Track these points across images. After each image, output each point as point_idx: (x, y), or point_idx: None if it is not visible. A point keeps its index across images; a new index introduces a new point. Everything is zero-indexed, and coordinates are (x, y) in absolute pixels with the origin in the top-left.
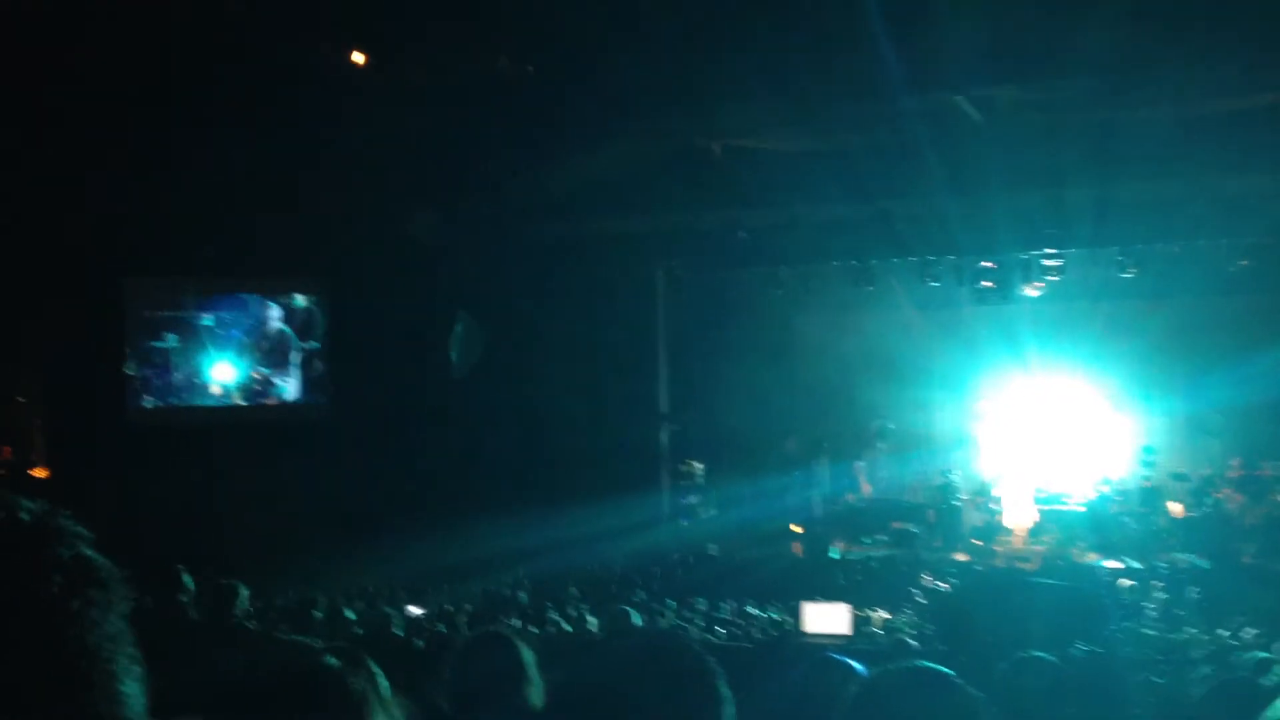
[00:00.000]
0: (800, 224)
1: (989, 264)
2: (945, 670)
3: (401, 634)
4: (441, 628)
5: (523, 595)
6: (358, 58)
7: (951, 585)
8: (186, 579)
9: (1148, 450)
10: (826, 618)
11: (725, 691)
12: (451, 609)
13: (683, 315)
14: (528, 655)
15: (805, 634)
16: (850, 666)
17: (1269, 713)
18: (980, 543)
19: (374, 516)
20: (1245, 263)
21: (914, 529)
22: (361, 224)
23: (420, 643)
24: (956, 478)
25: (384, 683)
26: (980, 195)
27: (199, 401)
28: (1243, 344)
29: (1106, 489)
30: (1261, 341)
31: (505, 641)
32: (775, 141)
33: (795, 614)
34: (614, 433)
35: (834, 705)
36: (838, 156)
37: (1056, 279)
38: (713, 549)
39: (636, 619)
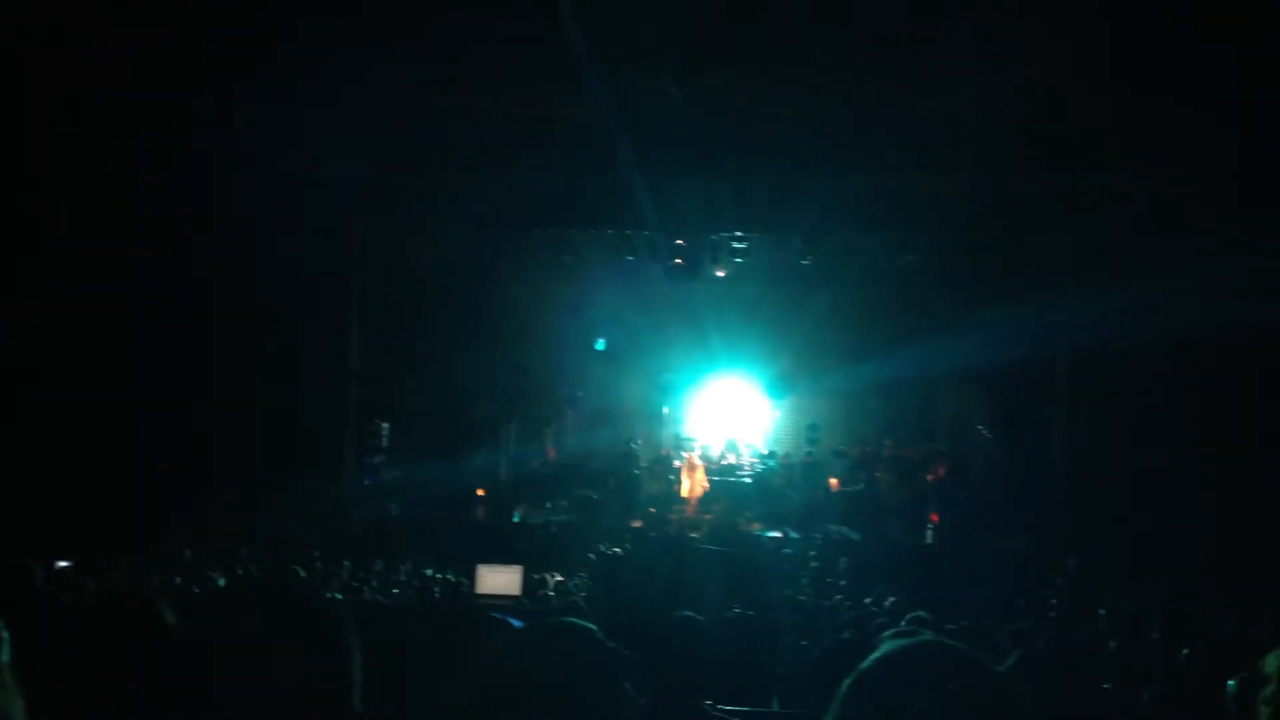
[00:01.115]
0: (500, 190)
1: (680, 242)
2: (589, 625)
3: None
4: (90, 583)
5: (188, 552)
6: None
7: (625, 550)
8: None
9: (812, 428)
10: (499, 580)
11: (354, 643)
12: (106, 563)
13: (379, 273)
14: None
15: (478, 596)
16: (507, 622)
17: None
18: (655, 510)
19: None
20: (910, 258)
21: (595, 496)
22: None
23: (69, 598)
24: (639, 447)
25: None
26: (675, 174)
27: None
28: (902, 333)
29: (774, 463)
30: (918, 332)
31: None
32: (479, 105)
33: (472, 576)
34: (299, 387)
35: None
36: (539, 125)
37: (741, 261)
38: (394, 509)
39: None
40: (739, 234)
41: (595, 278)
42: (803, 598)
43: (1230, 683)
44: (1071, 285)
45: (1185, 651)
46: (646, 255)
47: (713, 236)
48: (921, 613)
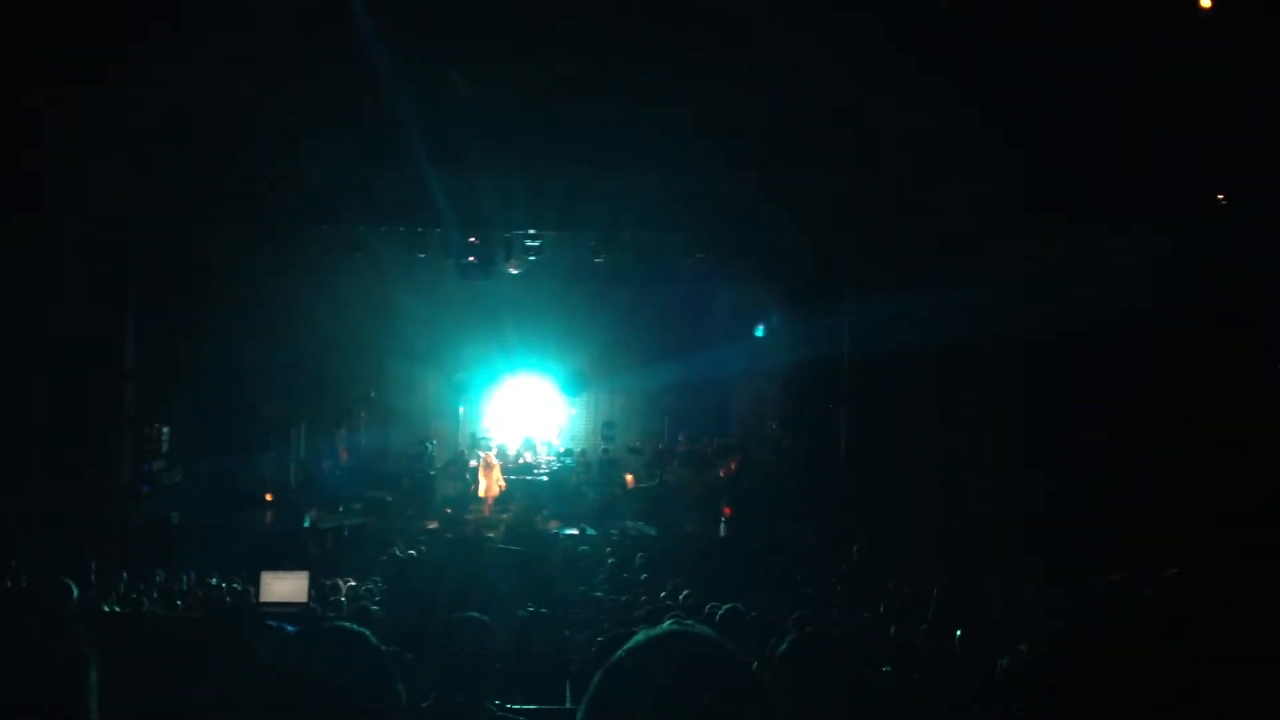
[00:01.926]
0: (286, 184)
1: (474, 239)
2: (361, 629)
3: None
4: None
5: None
6: None
7: (419, 553)
8: None
9: (608, 425)
10: (285, 587)
11: (91, 655)
12: None
13: (159, 270)
14: None
15: (263, 604)
16: (282, 629)
17: None
18: (451, 511)
19: None
20: (700, 256)
21: (388, 498)
22: None
23: None
24: (434, 447)
25: None
26: (469, 170)
27: None
28: (695, 330)
29: (570, 461)
30: (710, 329)
31: None
32: (263, 96)
33: (258, 584)
34: (69, 389)
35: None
36: (326, 117)
37: (535, 259)
38: (175, 517)
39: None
40: (533, 231)
41: (387, 274)
42: (599, 594)
43: (1001, 661)
44: (851, 290)
45: (959, 633)
46: (440, 252)
47: (506, 234)
48: (718, 603)
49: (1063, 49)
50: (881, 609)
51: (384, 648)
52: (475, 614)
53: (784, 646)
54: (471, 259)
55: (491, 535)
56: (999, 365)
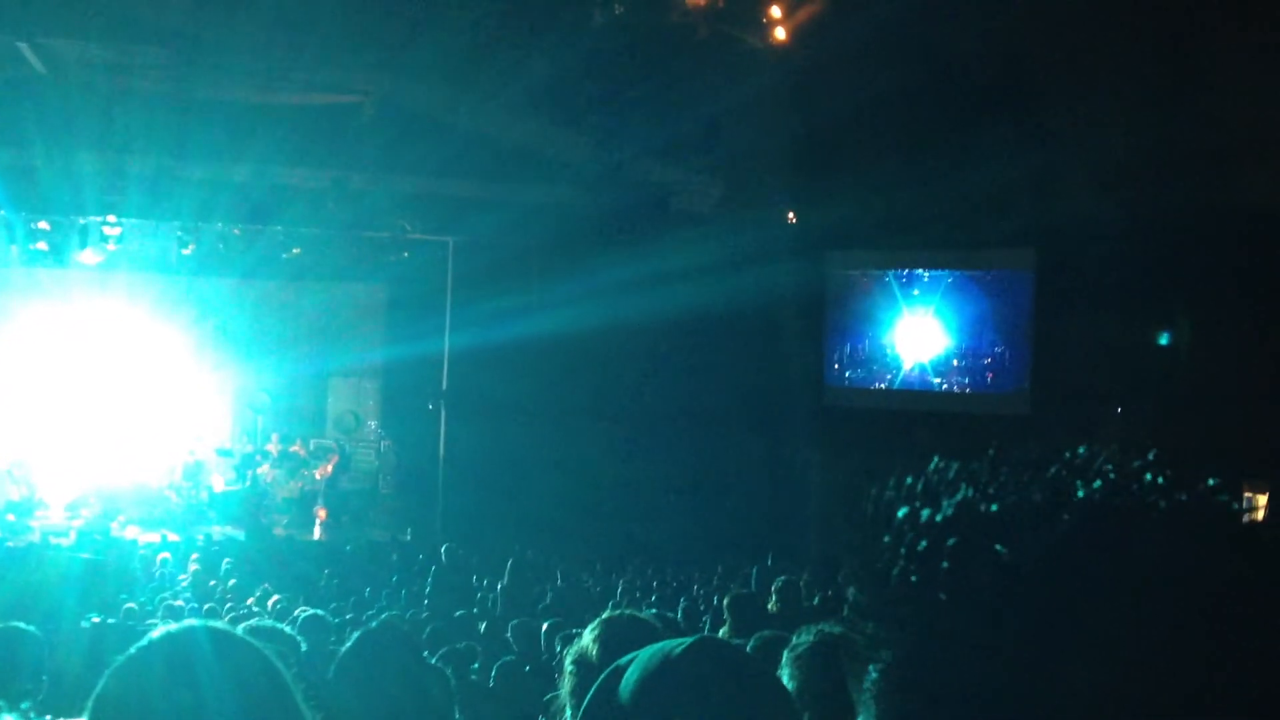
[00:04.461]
0: None
1: (43, 224)
2: None
3: None
4: None
5: None
6: None
7: None
8: None
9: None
10: None
11: None
12: None
13: None
14: None
15: None
16: None
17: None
18: (14, 518)
19: None
20: (298, 251)
21: None
22: None
23: None
24: None
25: None
26: (35, 151)
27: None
28: (293, 327)
29: (152, 463)
30: (309, 326)
31: None
32: None
33: None
34: None
35: None
36: None
37: (116, 248)
38: None
39: None
40: (112, 219)
41: None
42: (180, 602)
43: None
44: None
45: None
46: (3, 236)
47: (81, 219)
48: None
49: None
50: (475, 609)
51: None
52: (21, 625)
53: (349, 645)
54: (40, 245)
55: (59, 541)
56: (604, 359)
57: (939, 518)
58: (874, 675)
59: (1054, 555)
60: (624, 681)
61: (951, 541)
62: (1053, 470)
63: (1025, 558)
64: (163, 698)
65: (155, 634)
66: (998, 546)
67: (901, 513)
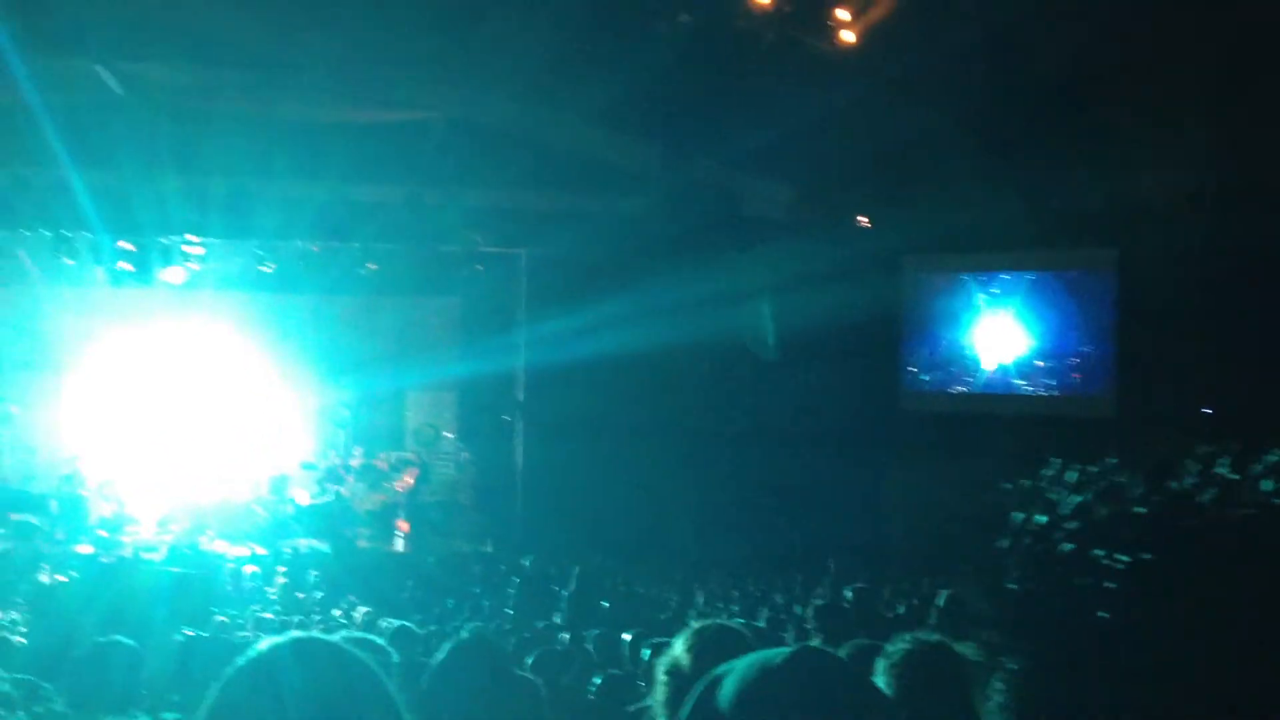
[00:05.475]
0: None
1: (127, 245)
2: None
3: None
4: None
5: None
6: None
7: (71, 579)
8: None
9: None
10: None
11: None
12: None
13: None
14: None
15: None
16: None
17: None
18: (107, 534)
19: None
20: (373, 266)
21: (35, 521)
22: None
23: None
24: (85, 466)
25: None
26: (118, 172)
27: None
28: (370, 343)
29: (238, 478)
30: (387, 341)
31: None
32: None
33: None
34: None
35: None
36: None
37: (199, 267)
38: None
39: None
40: (193, 238)
41: (30, 281)
42: (269, 615)
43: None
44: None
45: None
46: (89, 258)
47: (162, 239)
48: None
49: None
50: (556, 619)
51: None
52: (122, 638)
53: (440, 655)
54: (124, 265)
55: (150, 557)
56: (679, 370)
57: (1066, 525)
58: (999, 685)
59: (1179, 564)
60: (722, 691)
61: (1070, 547)
62: (1168, 477)
63: (1152, 565)
64: (274, 709)
65: (262, 645)
66: (1120, 555)
67: (1018, 518)
